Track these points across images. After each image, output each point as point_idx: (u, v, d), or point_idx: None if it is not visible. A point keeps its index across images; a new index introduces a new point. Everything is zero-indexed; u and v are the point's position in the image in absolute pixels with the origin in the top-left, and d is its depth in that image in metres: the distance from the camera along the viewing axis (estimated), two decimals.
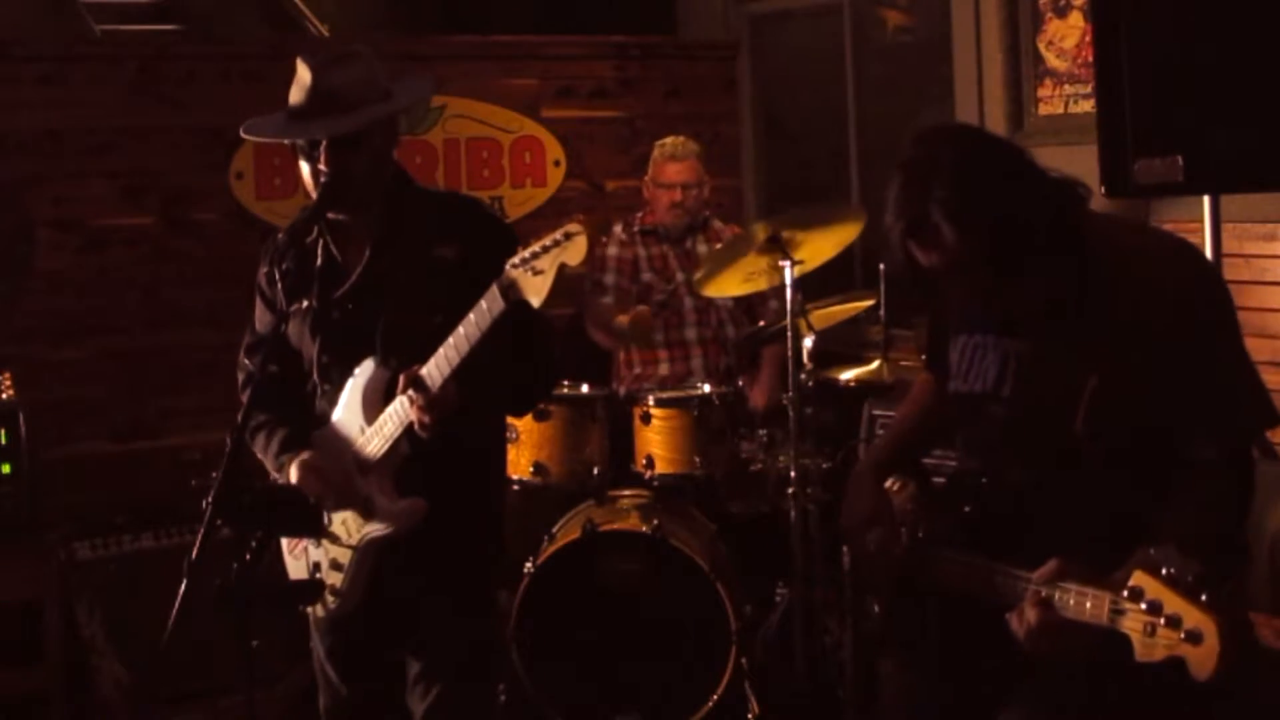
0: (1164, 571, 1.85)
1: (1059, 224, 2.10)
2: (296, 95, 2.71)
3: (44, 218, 4.87)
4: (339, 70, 2.69)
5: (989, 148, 2.17)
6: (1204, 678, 1.79)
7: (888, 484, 2.48)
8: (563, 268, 2.45)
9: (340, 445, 2.78)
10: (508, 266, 2.47)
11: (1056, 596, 1.99)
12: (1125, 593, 1.87)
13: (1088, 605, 1.94)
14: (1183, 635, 1.80)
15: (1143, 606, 1.85)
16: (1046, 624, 2.00)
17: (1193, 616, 1.80)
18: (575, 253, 2.44)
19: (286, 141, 2.78)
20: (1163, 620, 1.83)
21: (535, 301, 2.46)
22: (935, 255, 2.10)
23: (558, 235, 2.44)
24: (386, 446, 2.71)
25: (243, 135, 2.81)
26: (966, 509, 2.30)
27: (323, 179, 2.67)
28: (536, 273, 2.44)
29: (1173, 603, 1.83)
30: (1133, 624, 1.86)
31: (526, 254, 2.46)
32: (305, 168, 2.72)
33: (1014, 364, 2.25)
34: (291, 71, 2.75)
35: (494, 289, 2.49)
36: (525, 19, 6.28)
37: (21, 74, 4.85)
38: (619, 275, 4.80)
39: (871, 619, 2.52)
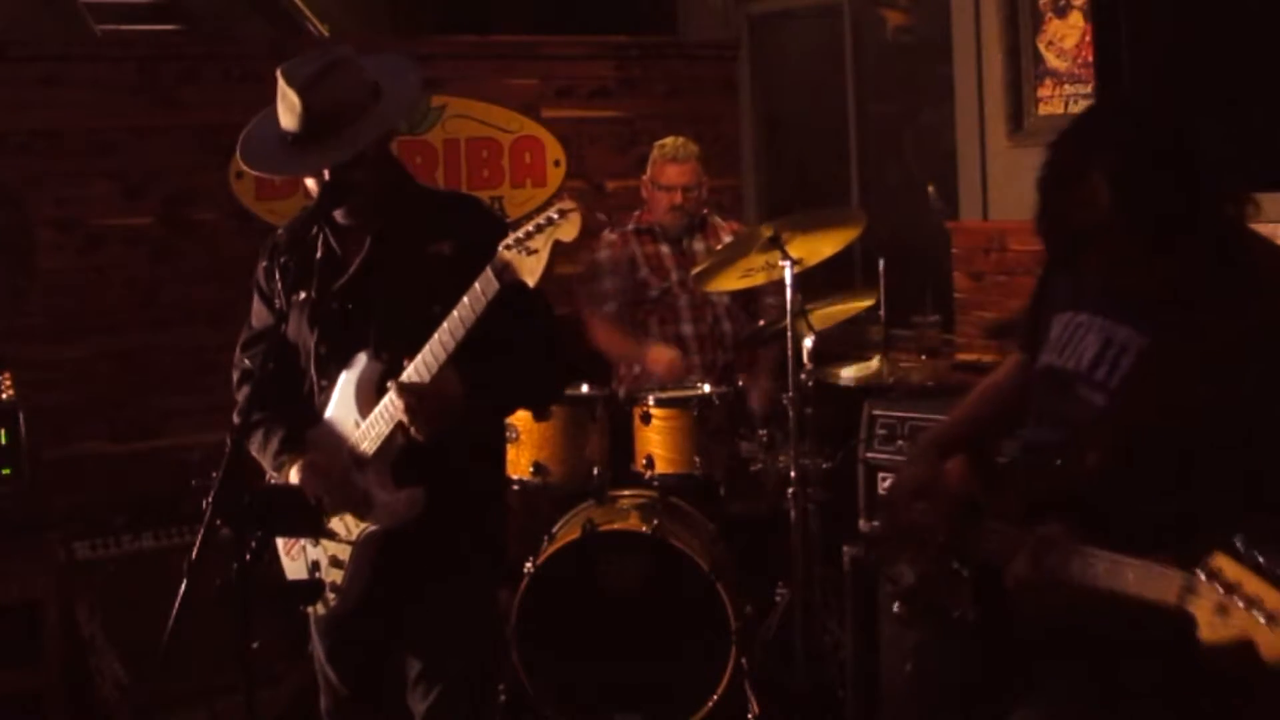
0: (1246, 556, 1.83)
1: (1216, 220, 2.09)
2: (288, 120, 2.67)
3: (44, 218, 4.87)
4: (326, 87, 2.65)
5: (1172, 123, 2.14)
6: (1272, 658, 1.77)
7: (948, 465, 2.45)
8: (557, 245, 2.45)
9: (336, 441, 2.77)
10: (500, 248, 2.47)
11: (1101, 567, 1.99)
12: (1202, 574, 1.85)
13: (1153, 582, 1.91)
14: (1262, 617, 1.78)
15: (1219, 587, 1.82)
16: (1042, 578, 2.03)
17: (1274, 600, 1.78)
18: (569, 229, 2.45)
19: None
20: (1240, 601, 1.80)
21: (530, 281, 2.45)
22: (1083, 212, 2.08)
23: (551, 213, 2.45)
24: (380, 441, 2.70)
25: (245, 168, 2.82)
26: (1030, 486, 2.28)
27: (328, 188, 2.68)
28: (530, 252, 2.44)
29: (1253, 585, 1.80)
30: (1204, 604, 1.84)
31: (520, 234, 2.46)
32: (311, 180, 2.73)
33: (1118, 351, 2.23)
34: None
35: (487, 271, 2.49)
36: (525, 19, 6.27)
37: (21, 74, 4.85)
38: (614, 276, 4.78)
39: (895, 584, 2.47)
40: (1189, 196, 2.05)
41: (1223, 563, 1.84)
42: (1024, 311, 2.54)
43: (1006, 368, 2.60)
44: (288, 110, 2.67)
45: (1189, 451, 2.10)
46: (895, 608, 2.47)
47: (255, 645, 2.39)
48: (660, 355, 4.55)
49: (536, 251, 2.44)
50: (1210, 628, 1.83)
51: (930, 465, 2.44)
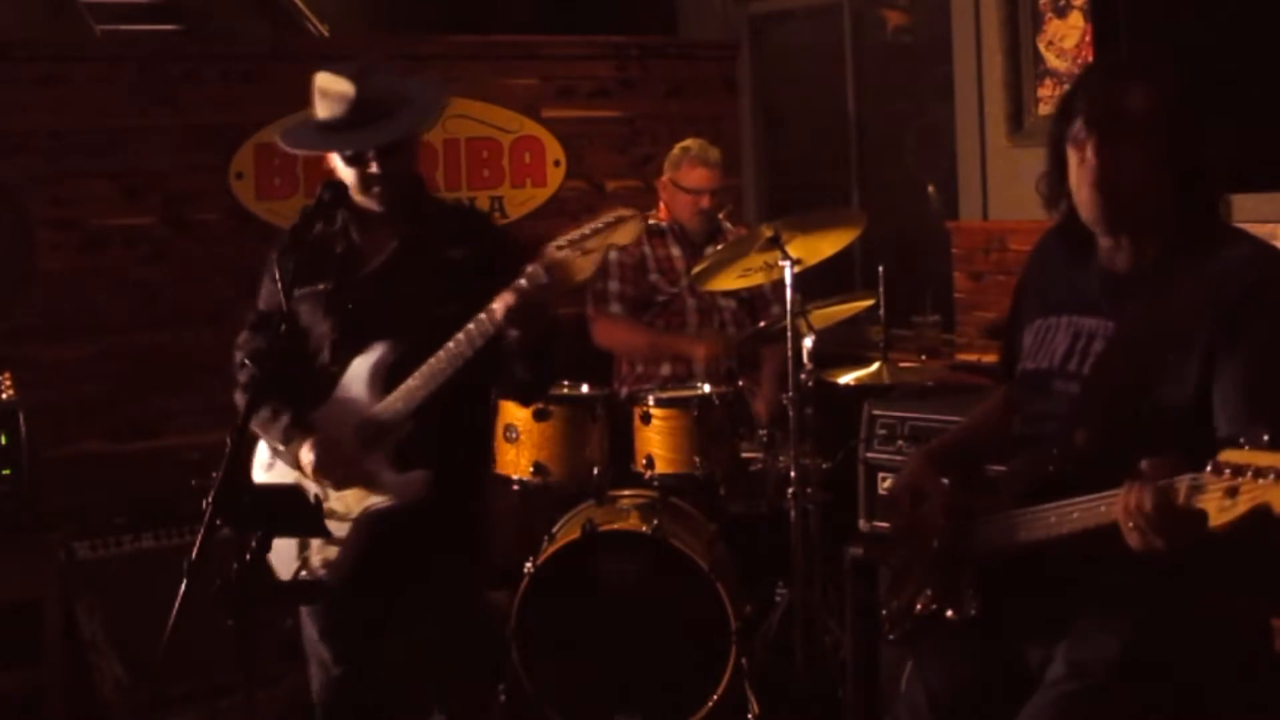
0: (1254, 441, 1.83)
1: (1209, 196, 2.23)
2: (337, 108, 2.83)
3: (44, 218, 4.87)
4: (372, 80, 2.85)
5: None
6: None
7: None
8: (609, 249, 2.68)
9: (346, 420, 2.88)
10: (551, 248, 2.66)
11: (1103, 507, 2.01)
12: (1209, 468, 1.85)
13: (1166, 493, 1.91)
14: (1273, 478, 1.77)
15: (1228, 473, 1.83)
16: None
17: None
18: (626, 234, 2.68)
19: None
20: (1250, 473, 1.80)
21: (579, 278, 2.67)
22: (1119, 118, 2.16)
23: (609, 218, 2.66)
24: (394, 424, 2.83)
25: (292, 150, 3.01)
26: (1029, 475, 2.30)
27: (376, 182, 2.85)
28: (586, 253, 2.65)
29: (1265, 459, 1.80)
30: (1211, 495, 1.85)
31: (574, 236, 2.65)
32: (350, 172, 2.87)
33: (1087, 341, 2.28)
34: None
35: (537, 268, 2.66)
36: (525, 19, 6.28)
37: (21, 74, 4.85)
38: (622, 282, 4.76)
39: (885, 611, 2.50)
40: (1208, 155, 2.19)
41: (1229, 455, 1.85)
42: (1002, 348, 2.60)
43: (993, 400, 2.65)
44: (335, 100, 2.83)
45: (1169, 416, 2.14)
46: (888, 634, 2.49)
47: (255, 646, 2.40)
48: (697, 348, 4.62)
49: (592, 252, 2.66)
50: (1220, 512, 1.84)
51: (925, 470, 2.48)
